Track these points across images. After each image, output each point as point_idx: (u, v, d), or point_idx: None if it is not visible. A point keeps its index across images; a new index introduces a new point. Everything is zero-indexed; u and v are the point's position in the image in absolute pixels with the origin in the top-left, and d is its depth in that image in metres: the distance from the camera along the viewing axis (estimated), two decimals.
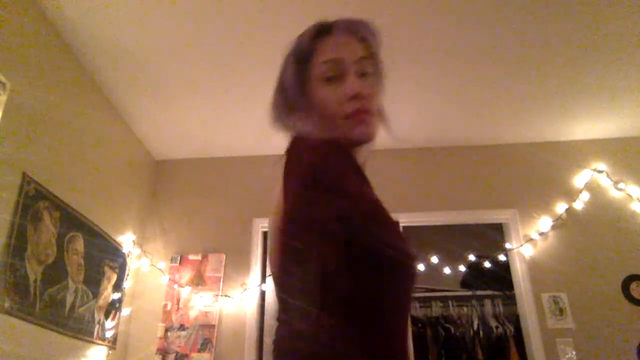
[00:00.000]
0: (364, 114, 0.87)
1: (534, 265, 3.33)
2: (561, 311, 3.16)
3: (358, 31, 0.94)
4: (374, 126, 0.90)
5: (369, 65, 0.92)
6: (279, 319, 0.79)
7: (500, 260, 3.47)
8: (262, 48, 2.75)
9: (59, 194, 2.60)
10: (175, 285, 3.43)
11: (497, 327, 3.81)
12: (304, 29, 0.98)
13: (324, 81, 0.89)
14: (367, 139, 0.88)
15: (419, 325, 3.88)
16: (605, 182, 3.51)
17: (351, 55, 0.90)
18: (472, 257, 3.56)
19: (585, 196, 3.47)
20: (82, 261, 2.79)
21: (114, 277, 3.15)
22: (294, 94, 0.91)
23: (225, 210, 3.68)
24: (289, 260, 0.77)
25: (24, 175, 2.32)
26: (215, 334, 3.27)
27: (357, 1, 2.46)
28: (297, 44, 0.93)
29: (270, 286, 3.36)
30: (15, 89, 2.26)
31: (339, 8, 2.50)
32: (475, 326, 3.84)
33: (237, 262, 3.50)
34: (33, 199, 2.37)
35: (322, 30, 0.93)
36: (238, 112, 3.36)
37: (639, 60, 2.90)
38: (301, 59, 0.91)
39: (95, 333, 2.89)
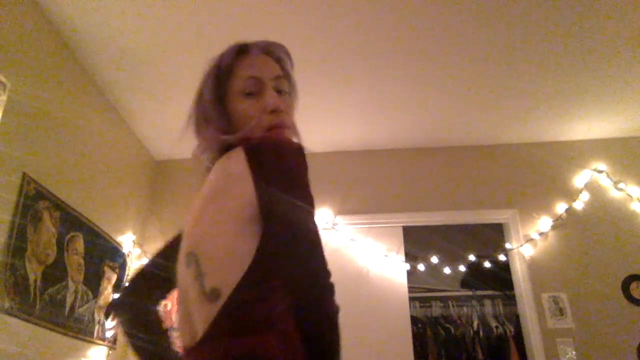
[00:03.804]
0: (281, 127, 0.95)
1: (534, 265, 3.33)
2: (561, 311, 3.16)
3: (273, 52, 1.03)
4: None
5: (284, 84, 1.01)
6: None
7: (500, 260, 3.47)
8: None
9: (59, 194, 2.60)
10: None
11: (497, 327, 3.81)
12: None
13: (244, 96, 0.97)
14: None
15: (419, 325, 3.88)
16: (605, 182, 3.51)
17: (269, 73, 0.99)
18: (472, 257, 3.56)
19: (585, 196, 3.47)
20: (82, 261, 2.79)
21: (114, 277, 3.15)
22: (213, 107, 0.98)
23: None
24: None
25: (24, 175, 2.32)
26: None
27: (358, 1, 2.47)
28: (218, 62, 1.01)
29: None
30: (15, 89, 2.26)
31: (341, 8, 2.50)
32: (475, 326, 3.84)
33: None
34: (33, 199, 2.37)
35: (241, 50, 1.01)
36: None
37: (639, 60, 2.90)
38: (221, 75, 0.99)
39: (95, 333, 2.89)
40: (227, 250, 0.81)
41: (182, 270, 0.89)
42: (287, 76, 1.03)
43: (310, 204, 0.83)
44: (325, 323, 0.78)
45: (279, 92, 0.99)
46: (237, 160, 0.85)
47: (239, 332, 0.76)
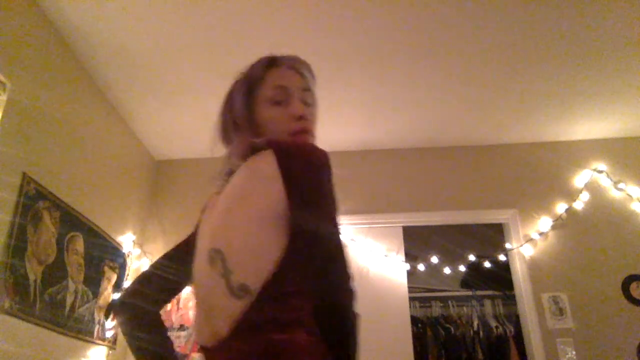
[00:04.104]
0: (306, 133, 1.01)
1: (534, 265, 3.33)
2: (561, 311, 3.16)
3: (299, 69, 1.08)
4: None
5: (309, 97, 1.07)
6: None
7: (500, 260, 3.47)
8: (262, 48, 2.74)
9: (59, 194, 2.60)
10: None
11: (497, 327, 3.81)
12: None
13: (271, 104, 1.02)
14: None
15: (419, 325, 3.88)
16: (605, 182, 3.50)
17: (296, 85, 1.05)
18: (472, 257, 3.56)
19: (585, 196, 3.47)
20: (82, 261, 2.79)
21: (114, 277, 3.15)
22: (243, 113, 1.03)
23: None
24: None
25: (24, 175, 2.32)
26: None
27: (358, 1, 2.46)
28: (248, 72, 1.08)
29: None
30: (15, 89, 2.26)
31: (339, 8, 2.50)
32: (475, 326, 3.84)
33: None
34: (33, 199, 2.37)
35: (271, 63, 1.07)
36: None
37: (639, 60, 2.90)
38: (251, 85, 1.05)
39: (95, 333, 2.89)
40: (255, 248, 0.83)
41: (203, 268, 0.89)
42: (310, 90, 1.08)
43: (335, 210, 0.87)
44: (346, 328, 0.82)
45: (305, 103, 1.04)
46: (267, 162, 0.86)
47: (272, 328, 0.79)
